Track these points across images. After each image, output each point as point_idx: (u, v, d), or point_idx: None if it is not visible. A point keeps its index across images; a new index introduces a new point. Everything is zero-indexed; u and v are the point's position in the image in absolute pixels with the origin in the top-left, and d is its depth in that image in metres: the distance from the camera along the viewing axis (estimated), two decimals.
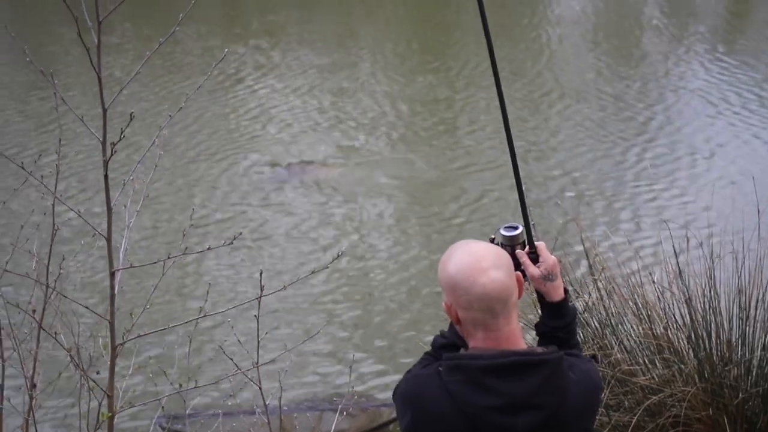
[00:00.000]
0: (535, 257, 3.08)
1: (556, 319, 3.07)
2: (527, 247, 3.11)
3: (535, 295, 3.17)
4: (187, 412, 5.09)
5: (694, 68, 15.72)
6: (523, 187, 3.27)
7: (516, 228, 3.08)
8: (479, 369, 2.74)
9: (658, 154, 12.08)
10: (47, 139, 12.87)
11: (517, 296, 2.83)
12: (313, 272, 5.04)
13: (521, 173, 3.29)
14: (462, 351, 2.85)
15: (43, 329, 4.35)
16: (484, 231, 10.08)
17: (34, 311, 4.37)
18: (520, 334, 2.85)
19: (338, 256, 9.43)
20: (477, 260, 2.77)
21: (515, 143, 3.23)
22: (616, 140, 12.55)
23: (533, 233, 3.18)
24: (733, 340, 5.78)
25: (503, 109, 3.23)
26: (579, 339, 3.32)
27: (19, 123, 13.67)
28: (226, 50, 4.83)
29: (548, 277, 3.06)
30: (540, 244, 3.12)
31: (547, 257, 3.08)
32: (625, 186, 11.12)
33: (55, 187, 4.32)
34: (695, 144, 12.35)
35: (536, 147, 12.31)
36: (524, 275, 3.01)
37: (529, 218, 3.22)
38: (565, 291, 3.10)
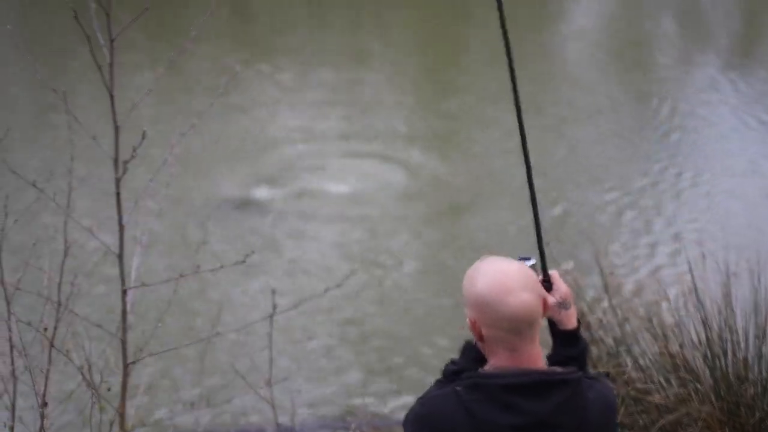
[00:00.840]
0: (548, 286, 3.08)
1: (570, 348, 3.06)
2: (541, 276, 3.10)
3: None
4: (199, 430, 5.07)
5: (708, 84, 15.67)
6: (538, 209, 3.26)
7: (529, 259, 3.08)
8: (501, 387, 2.73)
9: (672, 171, 12.02)
10: (59, 156, 12.87)
11: (541, 321, 2.84)
12: (326, 290, 5.02)
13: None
14: (480, 370, 2.84)
15: (55, 347, 4.34)
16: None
17: (45, 329, 4.36)
18: (541, 356, 2.84)
19: (350, 274, 9.46)
20: (507, 280, 2.77)
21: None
22: (630, 157, 12.50)
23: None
24: (750, 358, 5.74)
25: (523, 137, 3.23)
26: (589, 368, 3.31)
27: (32, 141, 13.69)
28: (237, 68, 4.82)
29: (563, 305, 3.06)
30: (553, 273, 3.13)
31: (561, 286, 3.08)
32: (639, 203, 11.06)
33: (67, 205, 4.31)
34: (711, 161, 12.30)
35: (548, 163, 12.26)
36: None
37: (543, 247, 3.21)
38: (578, 320, 3.10)
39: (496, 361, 2.80)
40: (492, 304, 2.74)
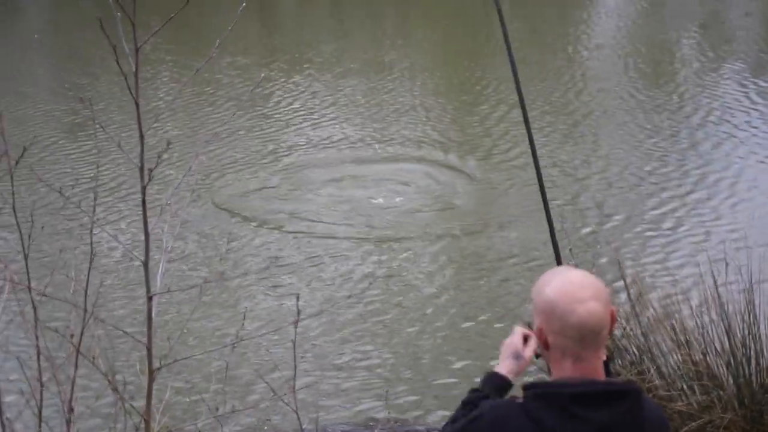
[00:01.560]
0: None
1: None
2: None
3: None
4: None
5: (729, 96, 15.63)
6: (555, 222, 3.28)
7: None
8: (568, 396, 2.73)
9: (696, 178, 12.00)
10: (86, 164, 12.97)
11: (608, 332, 2.85)
12: (349, 297, 5.04)
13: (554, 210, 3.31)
14: (545, 381, 2.85)
15: (81, 354, 4.37)
16: (525, 272, 10.08)
17: (71, 336, 4.39)
18: (603, 368, 2.85)
19: (373, 281, 9.49)
20: (578, 289, 2.78)
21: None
22: (652, 165, 12.48)
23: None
24: None
25: (533, 151, 3.25)
26: None
27: (59, 149, 13.78)
28: (262, 75, 4.85)
29: None
30: None
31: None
32: (662, 211, 11.04)
33: (93, 212, 4.35)
34: (734, 169, 12.27)
35: (569, 173, 12.25)
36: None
37: (561, 260, 3.22)
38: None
39: (560, 373, 2.81)
40: (561, 312, 2.75)
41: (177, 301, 8.84)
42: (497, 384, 3.07)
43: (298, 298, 4.62)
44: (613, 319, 2.85)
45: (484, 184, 12.14)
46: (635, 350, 6.02)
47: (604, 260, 9.31)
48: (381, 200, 11.65)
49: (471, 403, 3.00)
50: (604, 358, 2.93)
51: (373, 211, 11.33)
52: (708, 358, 5.83)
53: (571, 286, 2.79)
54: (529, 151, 3.56)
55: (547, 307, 2.78)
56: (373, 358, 8.29)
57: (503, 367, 3.09)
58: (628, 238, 10.31)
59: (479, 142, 13.79)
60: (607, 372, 3.01)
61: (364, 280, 9.55)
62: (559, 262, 3.17)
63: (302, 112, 15.45)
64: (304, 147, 13.74)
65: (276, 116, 15.24)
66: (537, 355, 3.05)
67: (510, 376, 3.08)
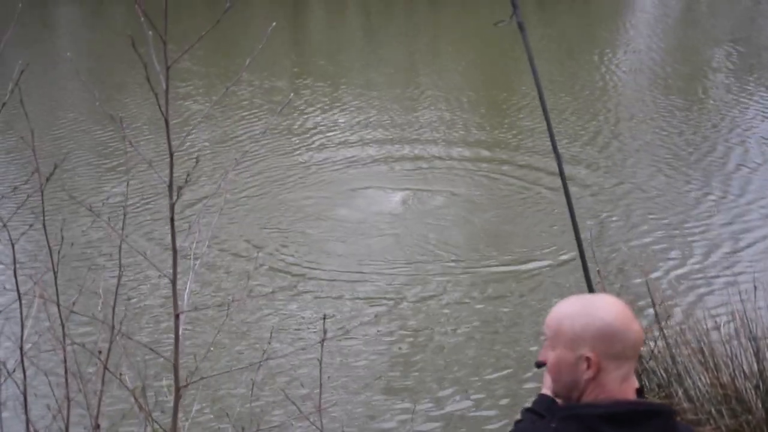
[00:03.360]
0: None
1: None
2: None
3: None
4: None
5: (761, 115, 15.61)
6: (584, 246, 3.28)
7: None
8: (597, 417, 2.72)
9: (726, 200, 11.95)
10: (116, 181, 13.04)
11: None
12: (375, 316, 5.04)
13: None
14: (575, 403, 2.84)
15: (109, 370, 4.39)
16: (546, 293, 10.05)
17: (99, 352, 4.41)
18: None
19: (399, 301, 9.48)
20: (624, 308, 2.83)
21: (573, 189, 3.24)
22: (679, 185, 12.44)
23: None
24: None
25: (560, 167, 3.25)
26: None
27: (89, 166, 13.87)
28: (291, 94, 4.88)
29: None
30: None
31: None
32: (690, 231, 10.99)
33: (122, 229, 4.37)
34: (763, 189, 12.21)
35: (601, 190, 12.23)
36: None
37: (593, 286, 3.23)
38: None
39: (604, 393, 2.79)
40: (621, 332, 2.77)
41: (204, 319, 8.87)
42: (548, 406, 3.01)
43: (325, 318, 4.62)
44: None
45: (514, 207, 12.14)
46: (663, 372, 5.99)
47: (633, 282, 9.28)
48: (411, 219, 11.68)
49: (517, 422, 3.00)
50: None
51: (405, 231, 11.34)
52: (736, 382, 5.79)
53: (618, 307, 2.81)
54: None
55: (608, 331, 2.77)
56: (401, 377, 8.28)
57: (562, 386, 3.05)
58: (656, 260, 10.26)
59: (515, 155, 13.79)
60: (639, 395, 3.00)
61: (393, 300, 9.54)
62: (589, 285, 3.16)
63: (330, 129, 15.49)
64: (333, 163, 13.78)
65: (303, 133, 15.28)
66: (539, 365, 3.01)
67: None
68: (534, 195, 12.30)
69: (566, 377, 2.82)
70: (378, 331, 8.90)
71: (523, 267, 10.21)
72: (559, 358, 2.82)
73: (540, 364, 2.97)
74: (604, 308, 2.80)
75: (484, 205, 12.11)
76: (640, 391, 2.93)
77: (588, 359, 2.77)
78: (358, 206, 12.15)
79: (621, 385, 2.77)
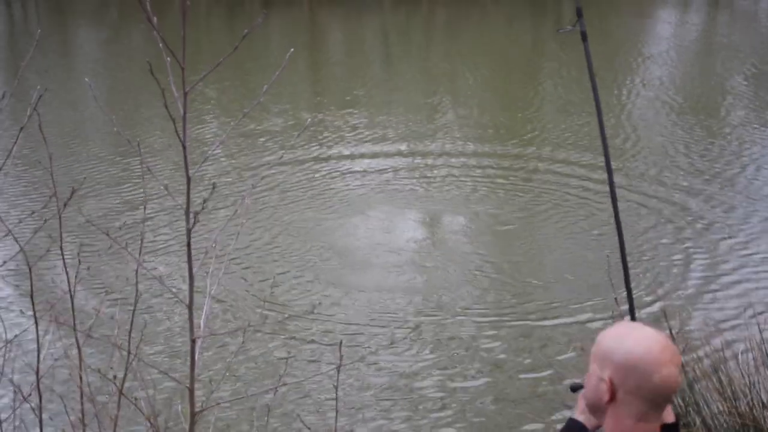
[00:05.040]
0: None
1: None
2: None
3: None
4: None
5: None
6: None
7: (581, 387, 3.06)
8: None
9: (741, 225, 11.91)
10: (134, 206, 13.08)
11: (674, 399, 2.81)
12: (391, 344, 5.03)
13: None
14: None
15: (124, 395, 4.39)
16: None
17: (115, 377, 4.41)
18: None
19: (415, 328, 9.46)
20: (663, 349, 2.72)
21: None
22: (697, 211, 12.41)
23: None
24: None
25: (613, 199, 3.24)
26: None
27: (107, 191, 13.91)
28: (308, 119, 4.89)
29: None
30: None
31: None
32: (707, 258, 10.96)
33: (140, 254, 4.37)
34: None
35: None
36: None
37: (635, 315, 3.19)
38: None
39: (617, 426, 2.77)
40: (644, 370, 2.69)
41: (220, 344, 8.87)
42: (575, 428, 3.01)
43: (341, 344, 4.61)
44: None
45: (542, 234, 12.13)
46: (680, 401, 5.96)
47: (649, 309, 9.24)
48: (423, 244, 11.67)
49: None
50: (671, 419, 2.88)
51: (417, 254, 11.34)
52: (755, 411, 5.76)
53: (656, 346, 2.71)
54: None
55: (628, 363, 2.71)
56: (419, 400, 8.25)
57: (588, 406, 2.97)
58: (673, 286, 10.23)
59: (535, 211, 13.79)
60: None
61: (408, 325, 9.53)
62: (632, 312, 3.13)
63: (347, 155, 15.54)
64: (352, 188, 13.79)
65: (322, 156, 15.32)
66: (574, 389, 3.00)
67: (589, 425, 2.99)
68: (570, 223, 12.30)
69: (590, 393, 2.82)
70: (395, 354, 8.89)
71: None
72: (592, 371, 2.81)
73: (574, 388, 2.96)
74: (636, 340, 2.73)
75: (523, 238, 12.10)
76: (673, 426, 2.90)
77: (607, 382, 2.75)
78: (375, 231, 12.17)
79: (635, 424, 2.73)
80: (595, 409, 2.82)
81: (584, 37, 4.41)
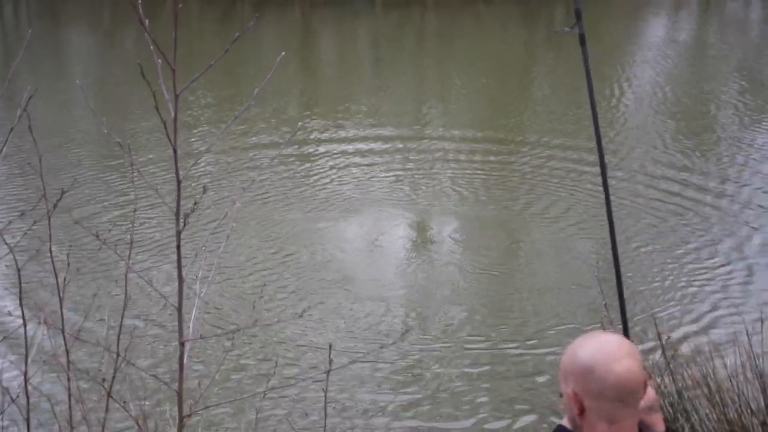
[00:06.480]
0: None
1: None
2: None
3: None
4: None
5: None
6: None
7: None
8: None
9: (732, 234, 11.92)
10: (123, 208, 13.06)
11: (643, 393, 2.80)
12: (381, 347, 5.02)
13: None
14: None
15: (112, 397, 4.37)
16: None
17: (103, 380, 4.40)
18: (637, 430, 2.81)
19: (406, 331, 9.45)
20: (612, 349, 2.75)
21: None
22: (685, 220, 12.43)
23: None
24: None
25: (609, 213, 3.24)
26: None
27: (96, 192, 13.88)
28: (299, 124, 4.88)
29: (653, 408, 3.03)
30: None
31: (649, 390, 3.03)
32: (695, 266, 10.97)
33: (129, 257, 4.36)
34: None
35: (605, 223, 12.19)
36: None
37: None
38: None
39: None
40: (598, 372, 2.71)
41: (209, 347, 8.85)
42: None
43: (330, 348, 4.60)
44: (646, 384, 2.81)
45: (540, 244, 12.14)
46: (669, 408, 5.96)
47: (639, 317, 9.25)
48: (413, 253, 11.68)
49: None
50: (661, 428, 2.88)
51: (407, 262, 11.35)
52: (743, 418, 5.76)
53: (605, 347, 2.76)
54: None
55: (584, 370, 2.74)
56: (408, 407, 8.25)
57: (568, 420, 3.01)
58: (661, 295, 10.23)
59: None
60: None
61: (399, 330, 9.52)
62: (625, 328, 3.14)
63: (339, 162, 15.53)
64: (342, 198, 13.79)
65: (311, 164, 15.31)
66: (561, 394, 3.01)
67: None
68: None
69: (567, 411, 2.84)
70: (385, 358, 8.88)
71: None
72: (563, 391, 2.84)
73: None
74: (587, 347, 2.78)
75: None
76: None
77: (575, 395, 2.78)
78: (363, 237, 12.18)
79: (610, 427, 2.74)
80: (575, 424, 2.84)
81: (582, 40, 4.34)
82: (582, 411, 2.77)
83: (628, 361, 2.72)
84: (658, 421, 3.03)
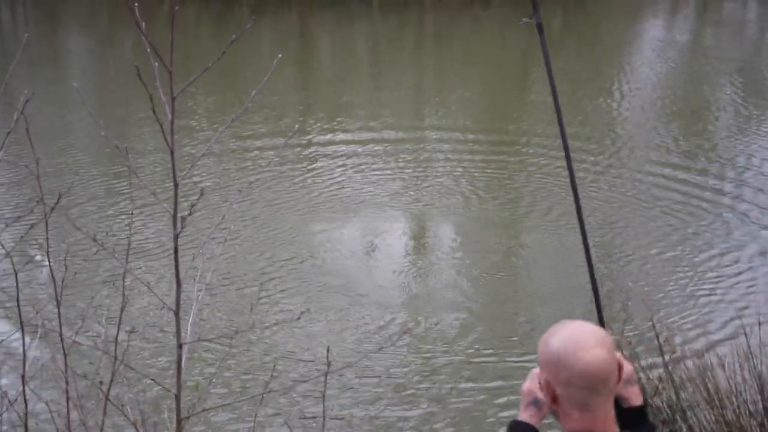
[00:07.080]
0: None
1: (641, 426, 3.01)
2: None
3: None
4: None
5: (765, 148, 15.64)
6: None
7: None
8: None
9: (727, 232, 11.93)
10: (121, 212, 13.05)
11: (616, 380, 2.79)
12: (380, 349, 5.02)
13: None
14: None
15: (110, 401, 4.37)
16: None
17: (101, 383, 4.39)
18: (614, 420, 2.81)
19: (405, 332, 9.45)
20: (581, 336, 2.76)
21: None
22: (682, 219, 12.43)
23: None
24: None
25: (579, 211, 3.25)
26: None
27: (94, 196, 13.87)
28: (296, 126, 4.88)
29: (630, 381, 3.02)
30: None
31: (623, 362, 2.99)
32: (695, 268, 10.97)
33: (126, 260, 4.35)
34: (767, 223, 12.21)
35: (606, 225, 12.22)
36: None
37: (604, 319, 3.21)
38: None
39: (568, 423, 2.78)
40: (566, 361, 2.72)
41: (207, 350, 8.84)
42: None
43: (328, 350, 4.60)
44: (621, 368, 2.82)
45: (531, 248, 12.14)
46: (667, 409, 5.96)
47: (635, 318, 9.25)
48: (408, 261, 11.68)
49: None
50: (638, 402, 2.88)
51: (406, 264, 11.35)
52: (741, 419, 5.76)
53: (574, 335, 2.76)
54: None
55: (553, 358, 2.75)
56: (405, 409, 8.24)
57: (525, 414, 2.99)
58: (660, 296, 10.24)
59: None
60: (635, 422, 2.97)
61: (396, 333, 9.52)
62: (600, 317, 3.14)
63: (337, 164, 15.53)
64: (339, 199, 13.78)
65: (310, 166, 15.31)
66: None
67: (533, 422, 2.99)
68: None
69: (548, 400, 2.85)
70: (382, 361, 8.87)
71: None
72: (539, 378, 2.86)
73: None
74: (559, 335, 2.78)
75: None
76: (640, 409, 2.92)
77: (547, 384, 2.80)
78: (360, 240, 12.17)
79: (582, 415, 2.74)
80: (554, 415, 2.85)
81: (540, 29, 4.51)
82: (555, 399, 2.79)
83: (597, 349, 2.71)
84: (634, 394, 3.03)
